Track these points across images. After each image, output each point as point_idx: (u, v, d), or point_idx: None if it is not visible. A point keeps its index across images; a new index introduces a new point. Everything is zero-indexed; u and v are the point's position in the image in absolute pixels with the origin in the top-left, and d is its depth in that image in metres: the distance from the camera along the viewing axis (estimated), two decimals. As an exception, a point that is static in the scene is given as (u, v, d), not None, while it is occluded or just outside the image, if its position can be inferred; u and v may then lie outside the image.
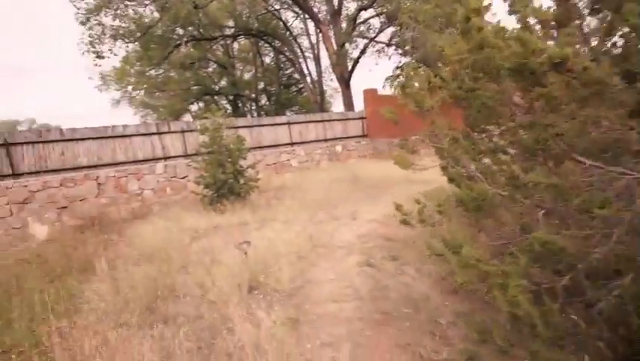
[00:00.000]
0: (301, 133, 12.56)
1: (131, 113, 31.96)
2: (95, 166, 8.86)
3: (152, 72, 22.95)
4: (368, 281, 3.33)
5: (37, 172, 8.33)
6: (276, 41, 21.12)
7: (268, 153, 11.51)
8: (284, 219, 5.84)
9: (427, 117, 3.27)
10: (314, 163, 12.41)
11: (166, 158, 9.87)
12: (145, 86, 22.41)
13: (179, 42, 15.69)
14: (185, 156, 9.99)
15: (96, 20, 11.07)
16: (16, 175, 8.12)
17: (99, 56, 11.45)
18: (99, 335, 2.90)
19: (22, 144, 8.22)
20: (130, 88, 22.29)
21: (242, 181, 7.48)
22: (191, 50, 23.94)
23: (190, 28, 17.61)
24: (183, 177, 9.54)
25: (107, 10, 10.91)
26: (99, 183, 8.50)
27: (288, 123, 12.23)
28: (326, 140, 13.09)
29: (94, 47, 11.14)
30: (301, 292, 3.42)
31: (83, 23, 10.96)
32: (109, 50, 11.60)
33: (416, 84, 3.13)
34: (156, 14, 12.56)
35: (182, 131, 10.12)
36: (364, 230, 4.92)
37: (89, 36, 11.06)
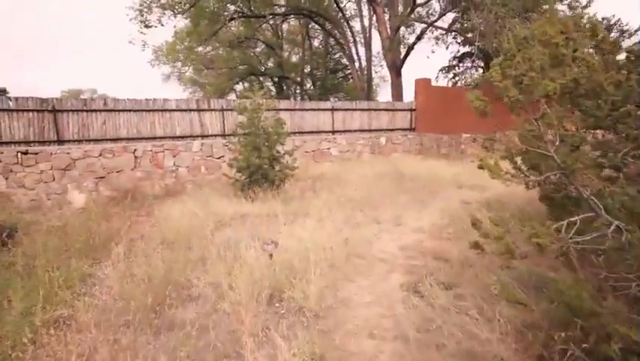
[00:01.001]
0: (344, 121, 11.83)
1: (180, 90, 32.74)
2: (134, 139, 8.77)
3: (201, 49, 23.13)
4: (414, 315, 2.67)
5: (80, 141, 8.37)
6: (327, 23, 20.25)
7: (308, 139, 10.94)
8: (318, 216, 5.25)
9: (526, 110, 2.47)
10: (355, 154, 11.68)
11: (203, 136, 9.61)
12: (193, 62, 22.58)
13: (228, 18, 15.35)
14: (223, 135, 9.69)
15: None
16: (60, 142, 8.20)
17: (146, 25, 11.34)
18: (93, 338, 2.50)
19: (68, 111, 8.26)
20: (179, 64, 22.56)
21: (277, 168, 6.98)
22: (241, 28, 23.76)
23: (240, 4, 17.23)
24: (219, 157, 9.24)
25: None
26: (136, 157, 8.39)
27: (332, 109, 11.54)
28: (370, 130, 12.27)
29: (142, 15, 11.02)
30: (331, 315, 2.83)
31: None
32: (157, 19, 11.46)
33: (521, 63, 2.32)
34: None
35: (222, 110, 9.79)
36: (409, 241, 4.21)
37: (140, 4, 10.95)
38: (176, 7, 11.54)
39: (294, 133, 10.93)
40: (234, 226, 5.17)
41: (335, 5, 19.34)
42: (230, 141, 7.16)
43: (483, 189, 6.64)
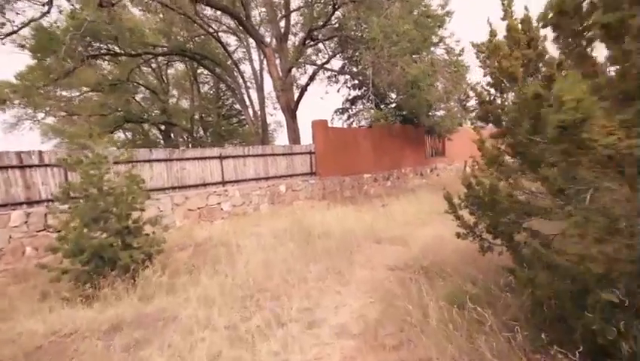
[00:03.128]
0: (237, 169, 10.16)
1: (39, 141, 26.97)
2: None
3: (65, 93, 19.41)
4: None
5: None
6: (217, 68, 18.88)
7: (192, 194, 8.89)
8: (188, 322, 3.36)
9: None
10: (252, 207, 9.99)
11: (30, 202, 6.79)
12: (47, 107, 18.50)
13: (88, 55, 12.71)
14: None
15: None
16: None
17: None
18: None
19: None
20: (27, 109, 18.21)
21: (135, 244, 4.84)
22: (115, 70, 20.80)
23: (108, 41, 14.78)
24: (60, 231, 6.53)
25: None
26: None
27: (220, 157, 9.79)
28: (267, 178, 10.81)
29: None
30: None
31: None
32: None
33: None
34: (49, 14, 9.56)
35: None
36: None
37: None
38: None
39: (174, 188, 8.79)
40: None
41: (222, 49, 18.21)
42: (51, 209, 4.79)
43: (404, 242, 5.61)
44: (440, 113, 15.77)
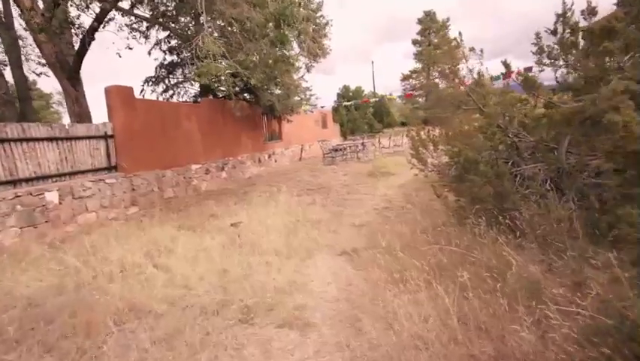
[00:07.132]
0: None
1: None
2: None
3: None
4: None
5: None
6: None
7: None
8: None
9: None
10: (-23, 241, 5.27)
11: None
12: None
13: None
14: None
15: None
16: None
17: None
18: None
19: None
20: None
21: None
22: None
23: None
24: None
25: None
26: None
27: None
28: (16, 181, 6.09)
29: None
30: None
31: None
32: None
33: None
34: None
35: None
36: None
37: None
38: None
39: None
40: None
41: None
42: None
43: (294, 315, 3.07)
44: (278, 91, 13.69)
